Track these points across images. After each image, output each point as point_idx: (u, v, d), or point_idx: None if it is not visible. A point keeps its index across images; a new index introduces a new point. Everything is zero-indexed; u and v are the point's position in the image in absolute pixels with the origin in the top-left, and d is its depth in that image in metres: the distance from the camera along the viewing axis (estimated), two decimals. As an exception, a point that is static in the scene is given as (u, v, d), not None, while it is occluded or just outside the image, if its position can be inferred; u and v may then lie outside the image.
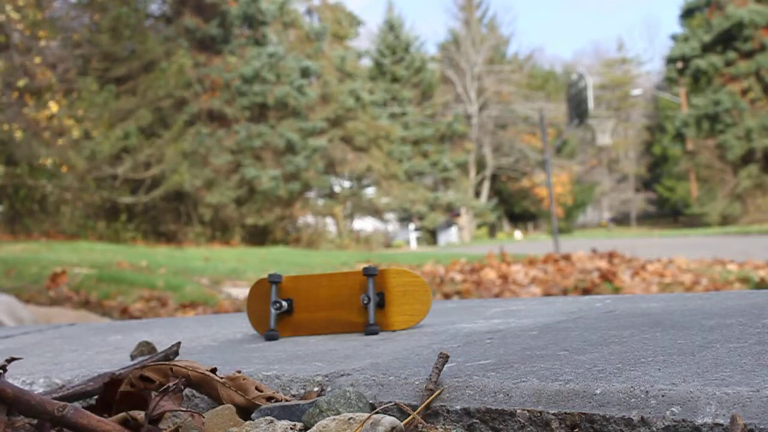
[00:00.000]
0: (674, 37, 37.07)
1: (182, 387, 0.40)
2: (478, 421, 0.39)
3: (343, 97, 28.41)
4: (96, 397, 0.47)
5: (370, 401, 0.42)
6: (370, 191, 31.18)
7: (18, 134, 14.12)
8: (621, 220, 44.10)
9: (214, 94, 24.75)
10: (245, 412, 0.42)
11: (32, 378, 0.54)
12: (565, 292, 6.12)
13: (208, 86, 24.64)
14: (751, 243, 14.70)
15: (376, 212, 31.43)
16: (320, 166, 26.70)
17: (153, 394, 0.40)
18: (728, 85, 33.55)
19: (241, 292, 7.53)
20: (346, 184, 30.62)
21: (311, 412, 0.40)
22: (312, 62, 26.67)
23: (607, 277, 6.63)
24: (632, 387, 0.37)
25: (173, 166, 20.12)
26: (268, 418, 0.40)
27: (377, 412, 0.38)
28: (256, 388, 0.44)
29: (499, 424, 0.38)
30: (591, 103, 14.60)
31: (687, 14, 36.25)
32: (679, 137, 36.24)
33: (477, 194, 38.21)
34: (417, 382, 0.42)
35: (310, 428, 0.38)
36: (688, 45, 35.13)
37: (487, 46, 38.83)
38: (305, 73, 26.35)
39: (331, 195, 29.57)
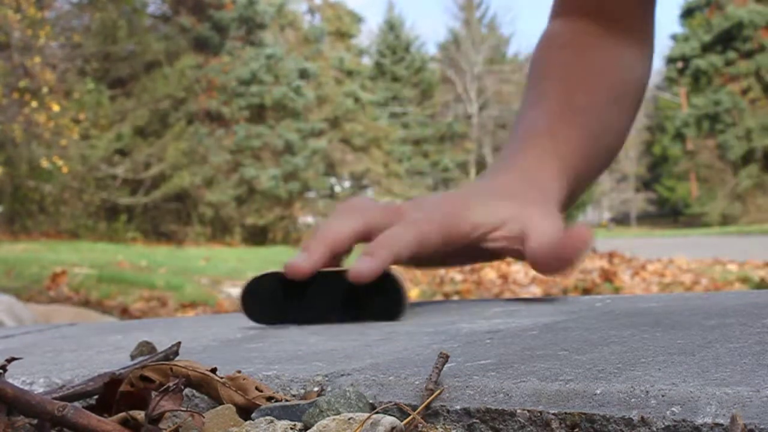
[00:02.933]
0: (674, 37, 37.09)
1: (182, 387, 0.40)
2: (478, 420, 0.39)
3: (340, 98, 28.44)
4: (96, 397, 0.47)
5: (370, 401, 0.42)
6: (370, 191, 31.20)
7: (17, 134, 14.13)
8: (621, 220, 44.12)
9: (211, 94, 24.77)
10: (245, 412, 0.42)
11: (32, 378, 0.54)
12: (565, 291, 6.12)
13: (205, 86, 24.67)
14: (751, 243, 14.71)
15: (376, 212, 31.34)
16: (320, 166, 26.74)
17: (153, 394, 0.40)
18: (728, 85, 33.56)
19: (241, 292, 7.52)
20: (346, 184, 30.66)
21: (311, 412, 0.40)
22: (310, 64, 26.70)
23: (607, 277, 6.64)
24: (632, 387, 0.37)
25: (174, 167, 20.15)
26: (268, 417, 0.40)
27: (377, 412, 0.38)
28: (256, 388, 0.44)
29: (499, 424, 0.38)
30: (591, 103, 14.60)
31: (687, 14, 36.27)
32: (679, 137, 36.25)
33: (477, 194, 38.14)
34: (417, 382, 0.42)
35: (310, 428, 0.38)
36: (688, 45, 35.14)
37: (487, 46, 38.85)
38: (303, 74, 26.37)
39: (331, 195, 29.59)
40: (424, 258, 0.74)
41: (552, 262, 0.71)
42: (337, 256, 0.71)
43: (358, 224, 0.71)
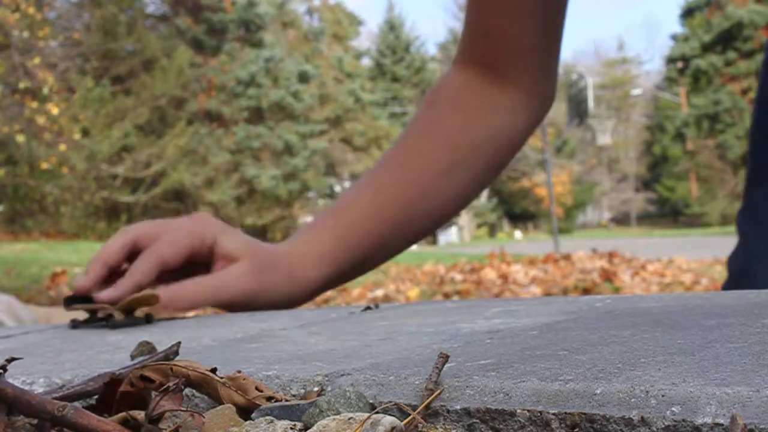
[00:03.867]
0: (674, 37, 37.10)
1: (182, 387, 0.40)
2: (478, 420, 0.39)
3: (341, 97, 28.42)
4: (96, 397, 0.47)
5: (370, 401, 0.42)
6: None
7: (19, 136, 14.13)
8: (621, 220, 44.13)
9: (210, 94, 24.77)
10: (245, 411, 0.42)
11: (32, 378, 0.54)
12: (565, 292, 6.12)
13: (204, 86, 24.66)
14: (751, 243, 14.66)
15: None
16: (320, 166, 26.73)
17: (153, 394, 0.40)
18: (728, 85, 33.58)
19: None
20: (346, 184, 30.67)
21: (311, 412, 0.40)
22: (310, 66, 26.67)
23: (607, 277, 6.64)
24: (632, 387, 0.37)
25: (173, 164, 20.15)
26: (268, 417, 0.40)
27: (377, 412, 0.38)
28: (256, 388, 0.44)
29: (499, 423, 0.38)
30: (591, 103, 14.60)
31: (687, 14, 36.27)
32: (679, 137, 36.26)
33: (477, 194, 38.15)
34: (417, 382, 0.42)
35: (310, 428, 0.38)
36: (688, 45, 35.15)
37: (487, 46, 38.79)
38: (303, 77, 26.33)
39: (331, 195, 29.60)
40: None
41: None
42: (115, 269, 0.84)
43: (126, 239, 0.85)
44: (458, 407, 0.39)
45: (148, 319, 0.84)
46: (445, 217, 0.96)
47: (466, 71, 0.95)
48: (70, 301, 0.84)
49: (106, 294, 0.81)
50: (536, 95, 0.96)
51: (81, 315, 0.84)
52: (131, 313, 0.82)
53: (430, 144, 0.92)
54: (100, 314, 0.82)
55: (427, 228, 0.96)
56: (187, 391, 0.47)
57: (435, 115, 0.94)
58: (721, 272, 6.96)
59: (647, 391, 0.35)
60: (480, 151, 0.93)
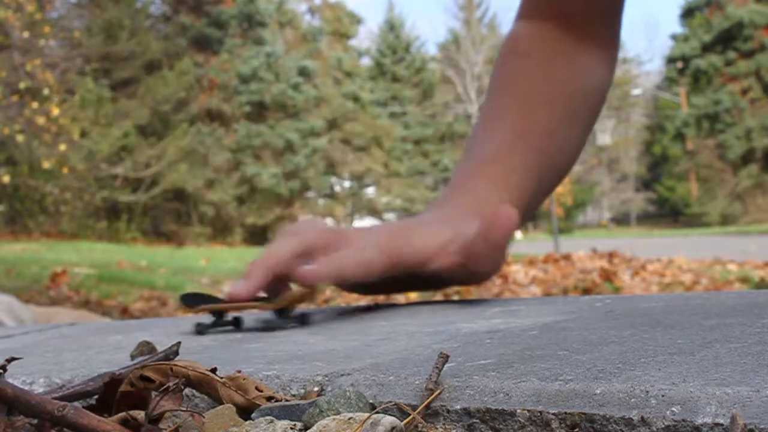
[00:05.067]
0: (674, 37, 37.09)
1: (182, 387, 0.40)
2: (478, 420, 0.39)
3: (339, 100, 28.44)
4: (96, 396, 0.47)
5: (370, 401, 0.42)
6: (370, 191, 31.25)
7: (19, 137, 14.14)
8: (621, 220, 44.11)
9: (212, 92, 24.78)
10: (245, 411, 0.42)
11: (32, 378, 0.54)
12: (565, 292, 6.12)
13: (206, 86, 24.67)
14: (751, 243, 14.71)
15: (377, 212, 31.50)
16: (320, 166, 26.75)
17: (153, 394, 0.40)
18: (728, 84, 33.57)
19: (241, 292, 7.52)
20: (347, 184, 30.67)
21: (311, 412, 0.40)
22: (309, 61, 26.72)
23: (607, 277, 6.64)
24: (632, 387, 0.37)
25: (172, 165, 20.17)
26: (268, 417, 0.40)
27: (377, 412, 0.38)
28: (256, 388, 0.44)
29: (499, 423, 0.38)
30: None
31: (687, 14, 36.26)
32: (679, 137, 36.25)
33: (477, 194, 38.18)
34: (417, 382, 0.42)
35: (310, 428, 0.38)
36: (688, 45, 35.15)
37: (487, 46, 38.87)
38: (303, 72, 26.37)
39: (331, 195, 29.60)
40: (372, 285, 0.74)
41: (482, 249, 0.70)
42: (281, 277, 0.70)
43: (298, 245, 0.71)
44: (458, 407, 0.39)
45: (304, 320, 0.68)
46: (568, 166, 0.90)
47: (542, 23, 0.90)
48: (193, 301, 0.69)
49: (240, 287, 0.68)
50: (613, 49, 0.93)
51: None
52: (283, 313, 0.68)
53: (543, 93, 0.86)
54: (228, 317, 0.68)
55: (557, 178, 0.89)
56: (187, 391, 0.47)
57: (529, 67, 0.88)
58: (721, 272, 6.96)
59: (647, 391, 0.36)
60: (582, 101, 0.89)
